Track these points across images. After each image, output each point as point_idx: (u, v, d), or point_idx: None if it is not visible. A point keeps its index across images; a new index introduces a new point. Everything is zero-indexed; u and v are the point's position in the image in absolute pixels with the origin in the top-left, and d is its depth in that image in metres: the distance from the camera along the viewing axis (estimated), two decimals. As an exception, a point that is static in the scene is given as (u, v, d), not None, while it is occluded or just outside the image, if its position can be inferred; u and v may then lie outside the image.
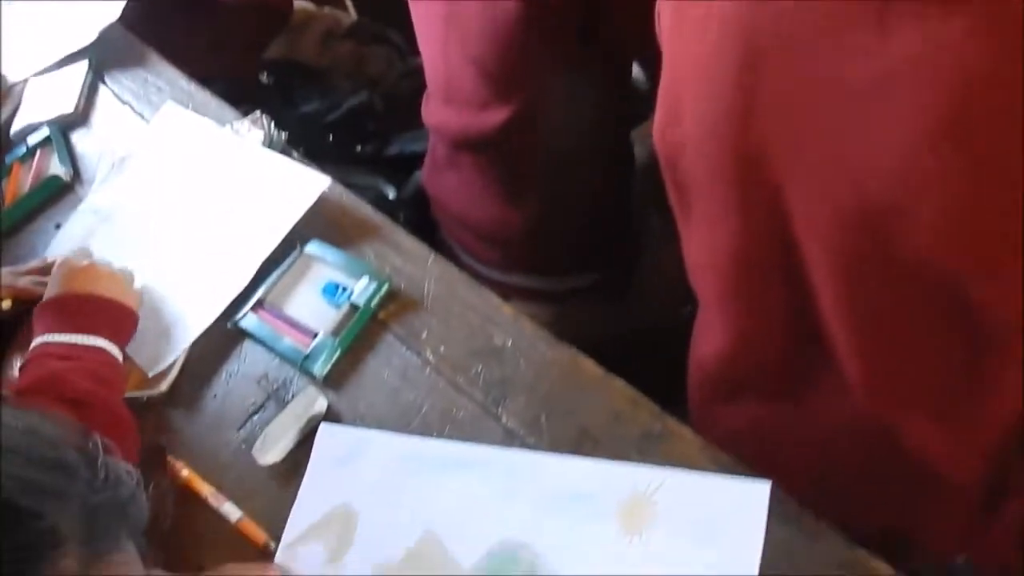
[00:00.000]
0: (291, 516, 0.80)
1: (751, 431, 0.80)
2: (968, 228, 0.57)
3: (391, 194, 1.41)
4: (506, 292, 1.10)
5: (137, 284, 1.00)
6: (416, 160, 1.38)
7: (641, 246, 1.28)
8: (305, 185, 1.00)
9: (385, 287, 0.91)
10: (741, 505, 0.65)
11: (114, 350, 0.92)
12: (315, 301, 0.94)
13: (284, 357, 0.92)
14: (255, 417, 0.90)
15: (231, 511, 0.83)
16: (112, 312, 0.94)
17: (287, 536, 0.79)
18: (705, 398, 0.89)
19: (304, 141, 1.29)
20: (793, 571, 0.65)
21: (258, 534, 0.81)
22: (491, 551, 0.71)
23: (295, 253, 0.98)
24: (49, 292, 0.94)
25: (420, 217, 1.36)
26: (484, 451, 0.76)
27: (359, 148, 1.48)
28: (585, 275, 1.23)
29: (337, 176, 1.06)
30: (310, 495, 0.80)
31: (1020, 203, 0.54)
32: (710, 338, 0.85)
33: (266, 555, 0.79)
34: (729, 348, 0.82)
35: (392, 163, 1.46)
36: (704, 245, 0.78)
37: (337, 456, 0.81)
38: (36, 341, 0.91)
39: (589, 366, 0.81)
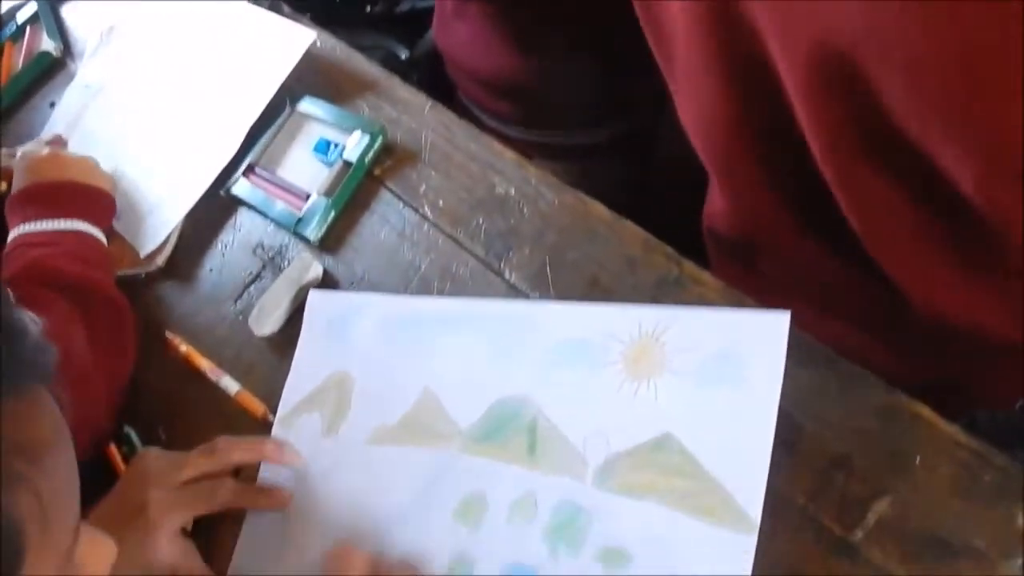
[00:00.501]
0: (286, 387, 0.75)
1: (770, 297, 0.73)
2: (933, 92, 0.49)
3: (403, 55, 1.32)
4: (527, 150, 1.01)
5: (108, 167, 0.94)
6: (429, 17, 1.28)
7: (667, 96, 1.17)
8: (291, 40, 0.92)
9: (379, 140, 0.84)
10: (757, 339, 0.58)
11: (95, 232, 0.88)
12: (308, 161, 0.87)
13: (278, 223, 0.86)
14: (251, 288, 0.85)
15: (230, 384, 0.79)
16: (85, 195, 0.89)
17: (283, 407, 0.74)
18: (720, 259, 0.82)
19: (311, 4, 1.20)
20: (824, 419, 0.58)
21: (257, 406, 0.77)
22: (491, 408, 0.65)
23: (285, 112, 0.91)
24: (16, 186, 0.90)
25: (435, 77, 1.27)
26: (481, 305, 0.70)
27: (369, 8, 1.39)
28: (607, 128, 1.14)
29: (347, 39, 0.98)
30: (304, 364, 0.75)
31: (993, 64, 0.46)
32: (715, 198, 0.79)
33: (265, 427, 0.76)
34: (730, 209, 0.76)
35: (404, 22, 1.37)
36: (690, 103, 0.71)
37: (329, 322, 0.75)
38: (12, 234, 0.87)
39: (599, 210, 0.74)
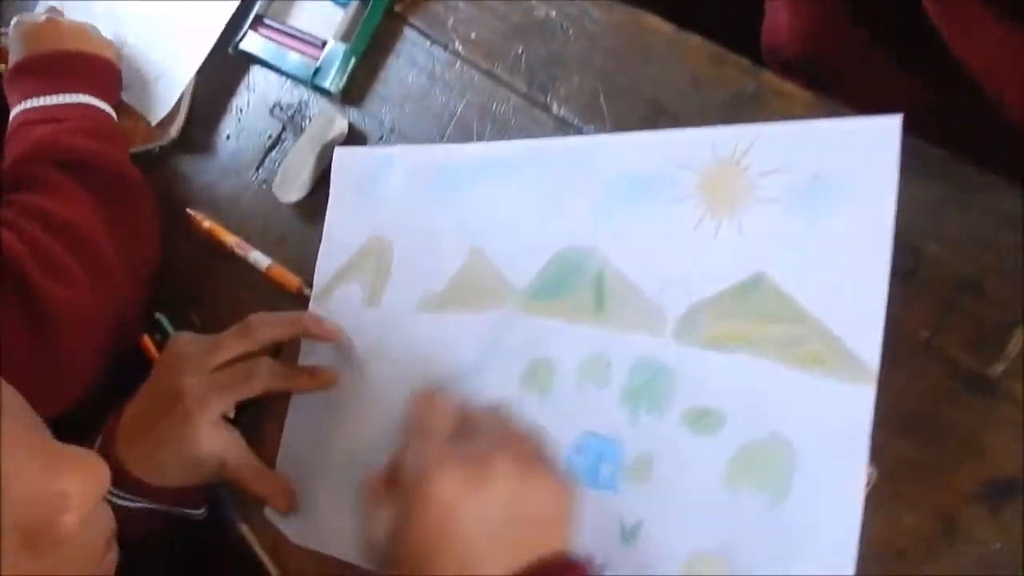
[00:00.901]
0: (319, 257, 0.68)
1: None
2: None
3: None
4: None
5: (108, 34, 0.85)
6: None
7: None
8: None
9: (398, -29, 0.73)
10: (860, 152, 0.48)
11: (103, 105, 0.79)
12: (319, 4, 0.77)
13: (294, 77, 0.77)
14: (273, 152, 0.77)
15: (259, 259, 0.72)
16: (88, 65, 0.80)
17: (318, 280, 0.67)
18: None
19: None
20: (945, 237, 0.49)
21: (291, 279, 0.70)
22: (549, 262, 0.57)
23: (289, -50, 0.80)
24: (13, 57, 0.81)
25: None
26: (527, 146, 0.61)
27: None
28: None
29: None
30: (336, 231, 0.67)
31: None
32: (777, 13, 0.70)
33: (302, 302, 0.69)
34: (793, 24, 0.68)
35: None
36: None
37: (359, 182, 0.67)
38: (13, 112, 0.79)
39: (655, 24, 0.63)
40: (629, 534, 0.51)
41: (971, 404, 0.46)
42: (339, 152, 0.69)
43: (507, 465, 0.47)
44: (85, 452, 0.41)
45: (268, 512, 0.64)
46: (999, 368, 0.46)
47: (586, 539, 0.51)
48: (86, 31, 0.84)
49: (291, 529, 0.63)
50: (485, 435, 0.49)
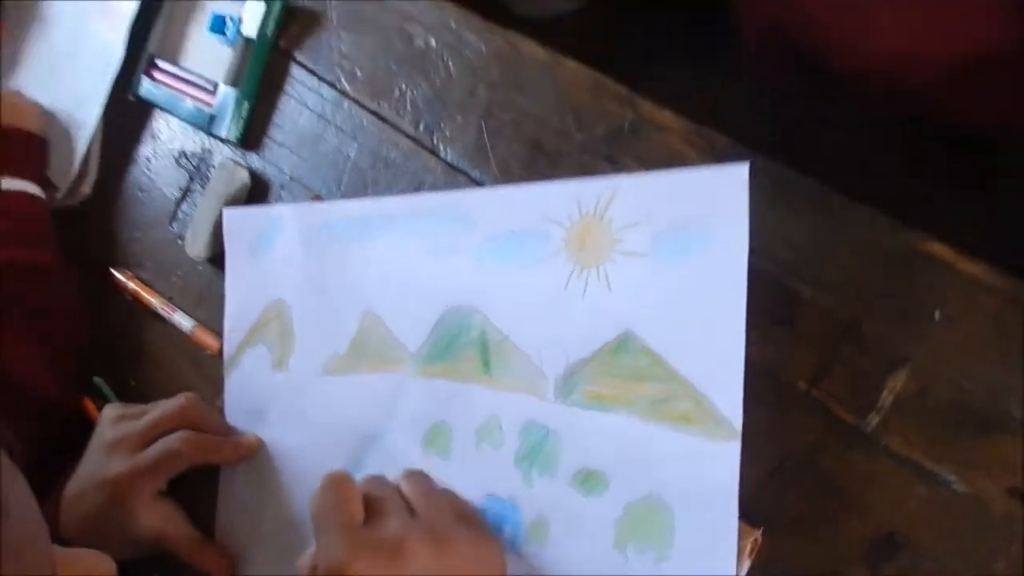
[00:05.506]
0: (226, 321, 0.67)
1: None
2: None
3: None
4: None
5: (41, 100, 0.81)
6: None
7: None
8: None
9: (278, 5, 0.71)
10: (713, 201, 0.46)
11: (28, 188, 0.76)
12: (208, 43, 0.75)
13: (193, 124, 0.75)
14: (183, 205, 0.76)
15: (183, 321, 0.72)
16: (16, 143, 0.76)
17: (228, 346, 0.67)
18: None
19: None
20: (821, 280, 0.48)
21: (212, 343, 0.70)
22: (437, 324, 0.56)
23: (172, -12, 0.78)
24: None
25: None
26: (410, 201, 0.59)
27: None
28: None
29: None
30: (237, 296, 0.67)
31: None
32: None
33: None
34: None
35: None
36: None
37: (251, 244, 0.66)
38: None
39: (533, 51, 0.60)
40: (533, 596, 0.52)
41: (851, 459, 0.45)
42: (228, 214, 0.68)
43: (419, 544, 0.47)
44: (94, 556, 0.42)
45: (211, 582, 0.65)
46: (873, 420, 0.45)
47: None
48: (9, 100, 0.79)
49: (235, 596, 0.64)
50: (394, 516, 0.49)
